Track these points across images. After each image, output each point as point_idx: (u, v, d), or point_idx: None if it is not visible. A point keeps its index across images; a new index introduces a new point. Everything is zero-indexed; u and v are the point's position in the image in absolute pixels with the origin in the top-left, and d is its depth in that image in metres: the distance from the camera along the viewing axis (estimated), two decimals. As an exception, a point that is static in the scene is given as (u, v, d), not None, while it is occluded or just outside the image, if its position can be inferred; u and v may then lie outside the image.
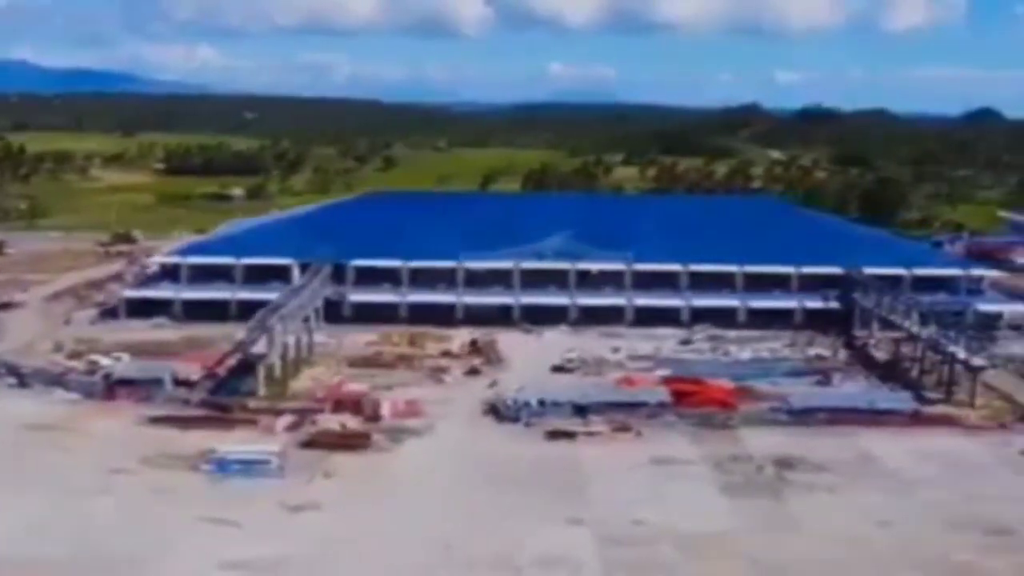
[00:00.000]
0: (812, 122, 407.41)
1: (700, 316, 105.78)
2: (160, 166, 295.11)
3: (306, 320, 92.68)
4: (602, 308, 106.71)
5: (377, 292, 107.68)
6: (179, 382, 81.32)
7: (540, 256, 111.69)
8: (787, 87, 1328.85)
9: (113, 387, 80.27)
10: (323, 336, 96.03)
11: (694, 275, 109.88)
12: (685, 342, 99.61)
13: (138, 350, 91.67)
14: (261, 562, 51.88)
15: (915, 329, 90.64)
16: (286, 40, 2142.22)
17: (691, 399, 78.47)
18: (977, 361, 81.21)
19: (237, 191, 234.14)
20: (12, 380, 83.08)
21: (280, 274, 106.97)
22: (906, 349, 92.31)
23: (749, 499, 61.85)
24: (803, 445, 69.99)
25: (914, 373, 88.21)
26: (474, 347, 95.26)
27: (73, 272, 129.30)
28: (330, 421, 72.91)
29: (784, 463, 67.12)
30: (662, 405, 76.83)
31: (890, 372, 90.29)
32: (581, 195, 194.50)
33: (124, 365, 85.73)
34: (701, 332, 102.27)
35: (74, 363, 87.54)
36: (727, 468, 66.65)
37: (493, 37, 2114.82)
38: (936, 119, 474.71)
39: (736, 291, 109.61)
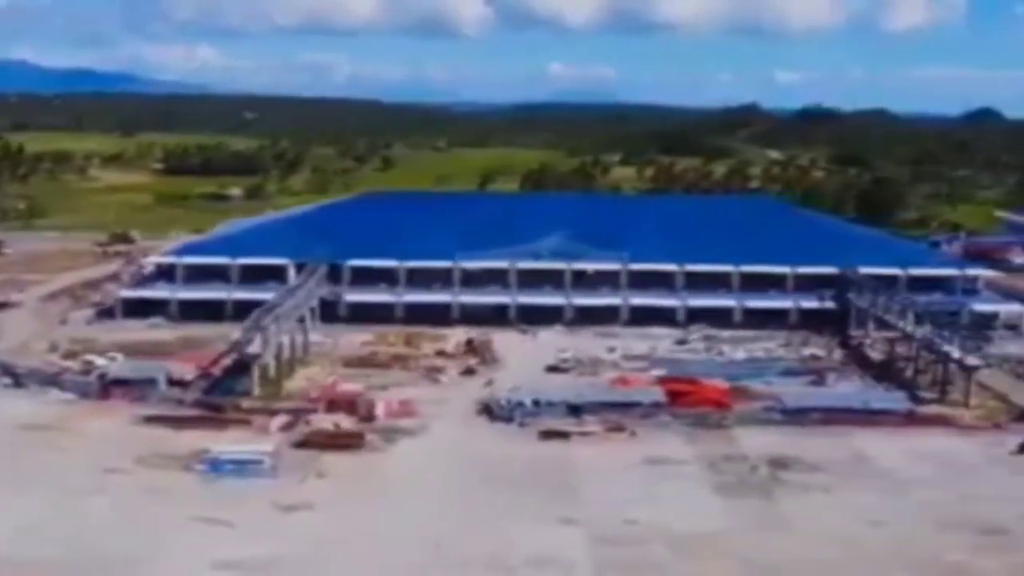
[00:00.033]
0: (812, 122, 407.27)
1: (696, 316, 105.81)
2: (159, 166, 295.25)
3: (301, 320, 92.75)
4: (598, 308, 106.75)
5: (373, 292, 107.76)
6: (174, 382, 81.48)
7: (536, 256, 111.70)
8: (787, 87, 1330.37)
9: (108, 387, 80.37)
10: (319, 336, 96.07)
11: (690, 275, 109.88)
12: (680, 342, 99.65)
13: (134, 350, 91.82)
14: (253, 562, 51.87)
15: (910, 329, 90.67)
16: (286, 40, 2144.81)
17: (686, 399, 78.49)
18: (971, 361, 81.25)
19: (235, 191, 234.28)
20: (7, 380, 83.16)
21: (276, 274, 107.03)
22: (901, 349, 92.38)
23: (742, 499, 61.89)
24: (797, 445, 70.04)
25: (909, 373, 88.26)
26: (469, 347, 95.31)
27: (70, 272, 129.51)
28: (324, 421, 72.95)
29: (778, 463, 67.14)
30: (656, 405, 76.86)
31: (885, 372, 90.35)
32: (578, 195, 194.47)
33: (119, 365, 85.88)
34: (696, 332, 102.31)
35: (69, 363, 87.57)
36: (721, 468, 66.68)
37: (493, 37, 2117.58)
38: (936, 119, 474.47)
39: (732, 291, 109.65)
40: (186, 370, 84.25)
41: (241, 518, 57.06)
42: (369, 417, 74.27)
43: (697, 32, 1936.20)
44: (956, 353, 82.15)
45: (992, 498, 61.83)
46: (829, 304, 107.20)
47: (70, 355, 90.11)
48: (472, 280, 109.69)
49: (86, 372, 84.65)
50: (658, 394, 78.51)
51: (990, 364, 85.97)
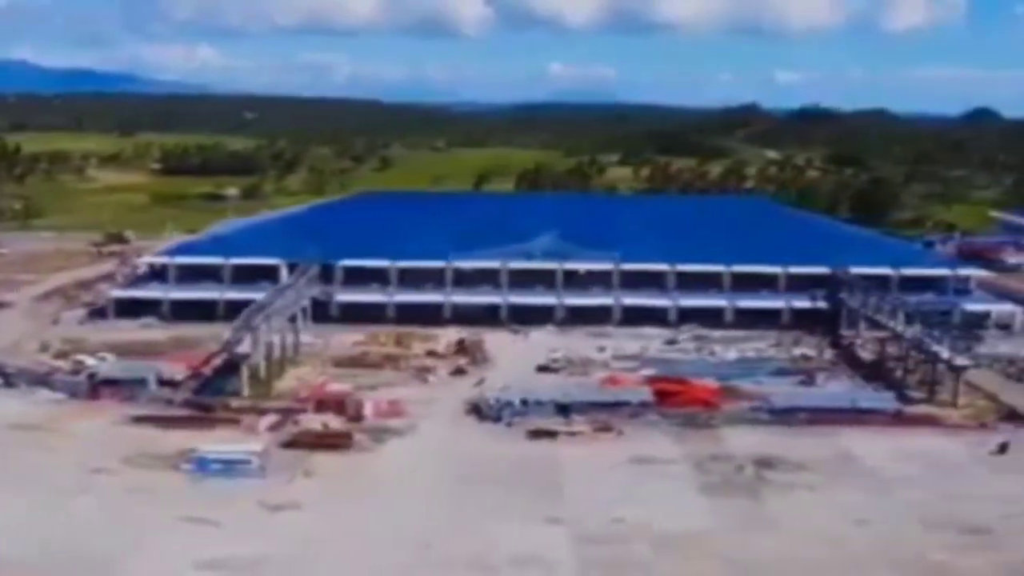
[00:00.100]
0: (810, 122, 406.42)
1: (688, 316, 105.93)
2: (157, 166, 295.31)
3: (292, 320, 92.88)
4: (589, 308, 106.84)
5: (365, 292, 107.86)
6: (164, 382, 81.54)
7: (528, 256, 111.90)
8: (787, 87, 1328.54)
9: (97, 387, 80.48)
10: (309, 336, 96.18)
11: (681, 275, 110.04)
12: (671, 342, 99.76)
13: (125, 350, 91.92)
14: (239, 561, 51.96)
15: (900, 329, 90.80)
16: (286, 40, 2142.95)
17: (675, 399, 78.64)
18: (960, 361, 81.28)
19: (232, 191, 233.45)
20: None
21: (268, 274, 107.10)
22: (891, 349, 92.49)
23: (728, 498, 62.02)
24: (784, 445, 70.18)
25: (898, 373, 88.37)
26: (460, 347, 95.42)
27: (64, 272, 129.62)
28: (312, 421, 73.05)
29: (764, 462, 67.23)
30: (644, 405, 77.03)
31: (875, 372, 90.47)
32: (571, 195, 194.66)
33: (109, 365, 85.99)
34: (687, 332, 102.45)
35: (60, 363, 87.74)
36: (707, 468, 66.78)
37: (493, 37, 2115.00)
38: (936, 119, 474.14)
39: (724, 291, 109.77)
40: (177, 370, 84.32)
41: (228, 518, 57.12)
42: (357, 417, 74.38)
43: (697, 32, 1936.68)
44: (945, 353, 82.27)
45: (976, 497, 61.92)
46: (820, 304, 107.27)
47: (61, 355, 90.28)
48: (464, 280, 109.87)
49: (76, 372, 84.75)
50: (646, 394, 78.65)
51: (979, 364, 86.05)
